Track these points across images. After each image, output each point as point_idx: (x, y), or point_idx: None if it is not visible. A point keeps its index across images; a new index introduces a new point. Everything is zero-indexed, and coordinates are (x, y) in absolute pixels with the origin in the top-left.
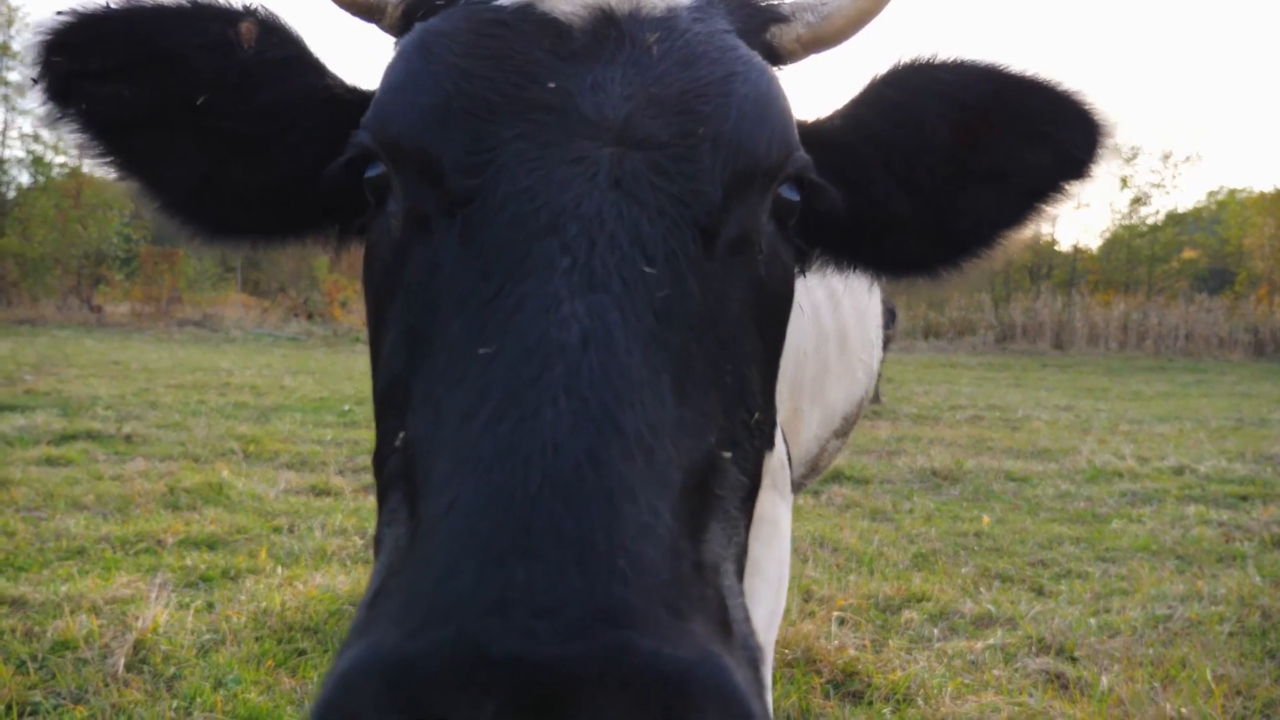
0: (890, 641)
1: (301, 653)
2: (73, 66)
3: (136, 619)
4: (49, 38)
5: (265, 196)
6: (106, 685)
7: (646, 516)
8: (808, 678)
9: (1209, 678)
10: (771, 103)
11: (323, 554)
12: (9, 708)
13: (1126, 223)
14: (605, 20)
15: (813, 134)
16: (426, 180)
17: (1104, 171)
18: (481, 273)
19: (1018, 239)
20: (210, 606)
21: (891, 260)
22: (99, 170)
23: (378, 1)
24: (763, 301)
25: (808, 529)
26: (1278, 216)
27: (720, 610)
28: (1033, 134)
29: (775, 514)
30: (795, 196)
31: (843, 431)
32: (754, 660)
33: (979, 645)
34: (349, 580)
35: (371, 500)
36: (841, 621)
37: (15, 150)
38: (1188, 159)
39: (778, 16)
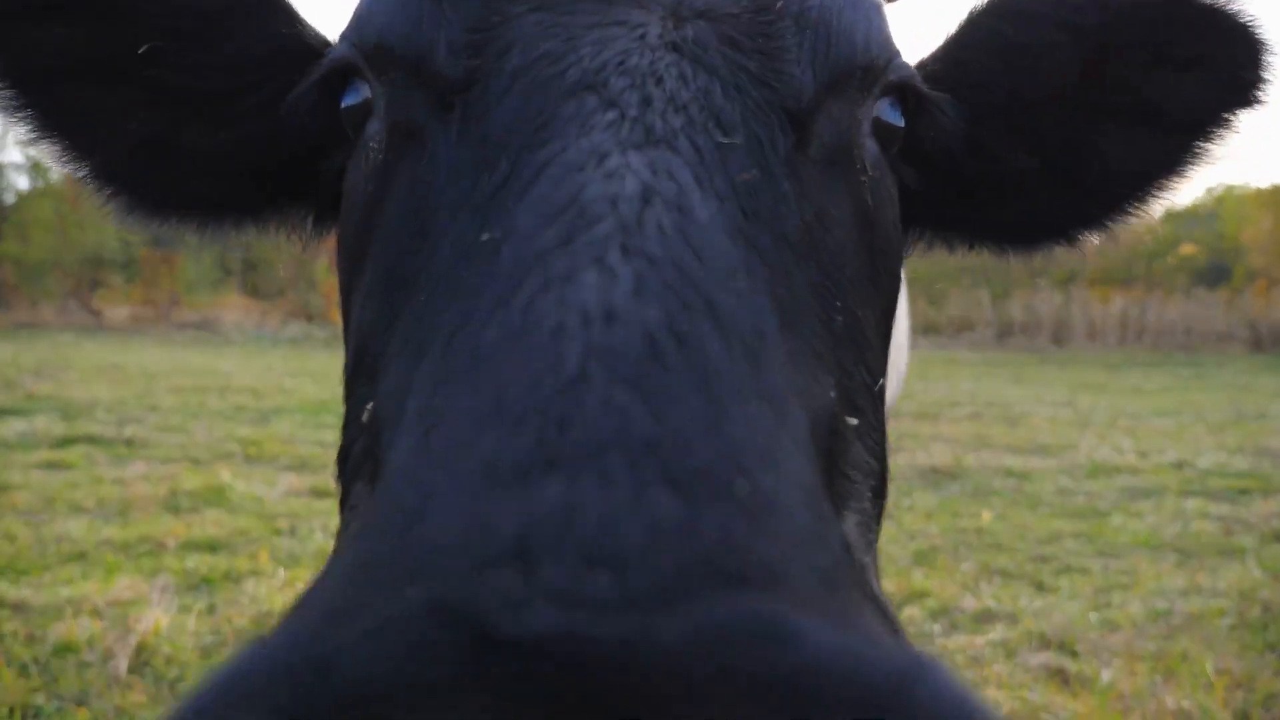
0: None
1: None
2: None
3: (138, 621)
4: None
5: (221, 165)
6: (109, 688)
7: (767, 429)
8: None
9: (1209, 671)
10: None
11: (324, 556)
12: (12, 711)
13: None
14: None
15: None
16: (416, 79)
17: (1274, 94)
18: (484, 163)
19: (1174, 187)
20: (212, 609)
21: (1018, 227)
22: (10, 124)
23: None
24: (872, 239)
25: None
26: (1274, 212)
27: (878, 610)
28: (1187, 57)
29: None
30: (898, 120)
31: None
32: None
33: (980, 641)
34: None
35: None
36: None
37: (13, 155)
38: None
39: None
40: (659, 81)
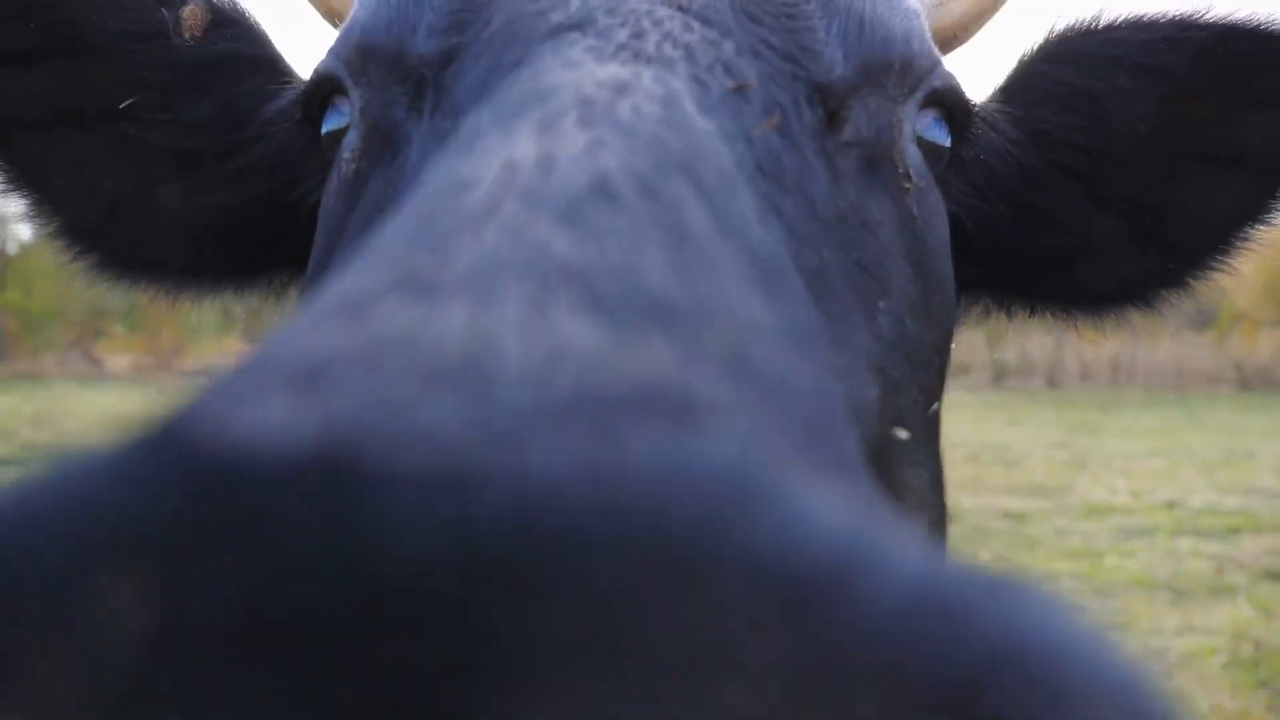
0: None
1: None
2: None
3: None
4: None
5: (199, 226)
6: None
7: (767, 317)
8: None
9: (1204, 709)
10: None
11: None
12: None
13: None
14: None
15: None
16: (395, 71)
17: None
18: (453, 119)
19: (1259, 233)
20: None
21: (1086, 292)
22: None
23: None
24: (921, 254)
25: None
26: (1258, 255)
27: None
28: (1268, 93)
29: None
30: (944, 139)
31: None
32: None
33: None
34: None
35: None
36: None
37: (16, 206)
38: None
39: None
40: (657, 23)
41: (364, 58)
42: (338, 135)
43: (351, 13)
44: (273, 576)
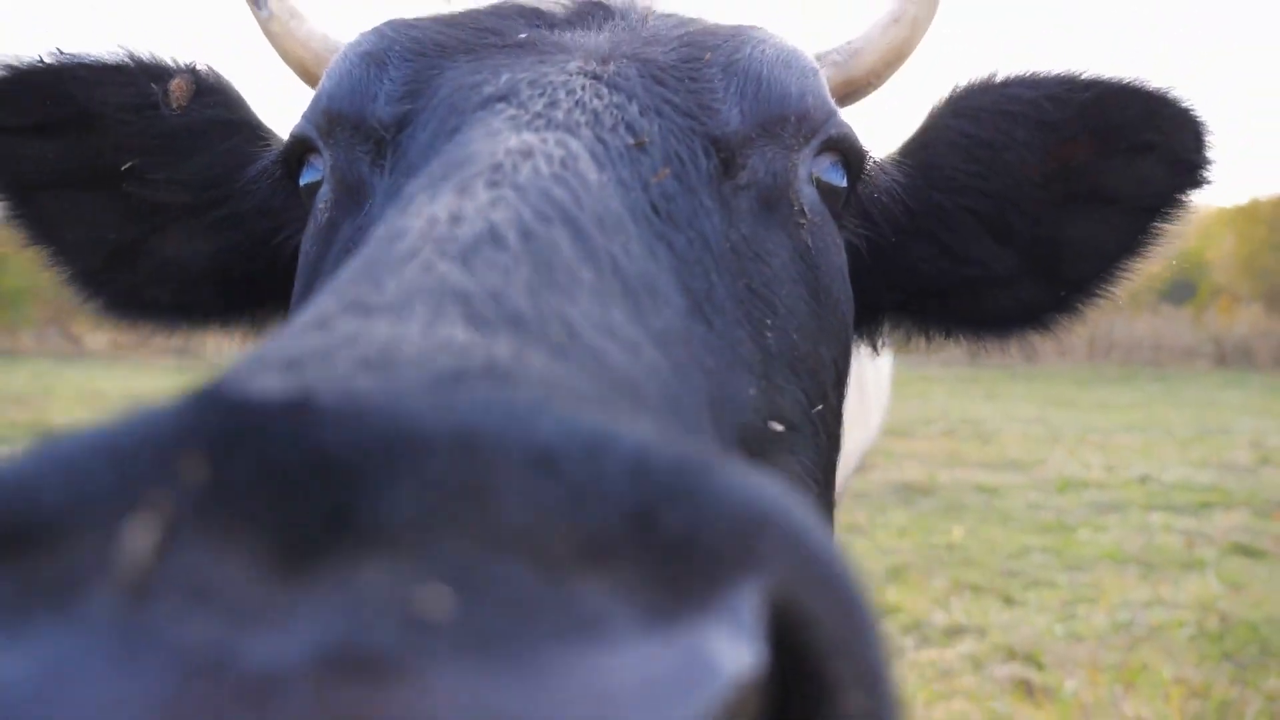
0: None
1: None
2: None
3: None
4: None
5: (191, 270)
6: None
7: (617, 321)
8: None
9: (1167, 680)
10: (798, 57)
11: None
12: None
13: None
14: (595, 4)
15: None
16: (358, 133)
17: (1216, 174)
18: (405, 177)
19: (1137, 266)
20: None
21: (992, 317)
22: (7, 229)
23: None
24: (816, 280)
25: None
26: (1237, 230)
27: None
28: (1138, 144)
29: None
30: (840, 180)
31: (855, 470)
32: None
33: (950, 654)
34: None
35: None
36: None
37: None
38: None
39: None
40: (570, 92)
41: (331, 122)
42: (314, 187)
43: (320, 82)
44: (268, 453)
